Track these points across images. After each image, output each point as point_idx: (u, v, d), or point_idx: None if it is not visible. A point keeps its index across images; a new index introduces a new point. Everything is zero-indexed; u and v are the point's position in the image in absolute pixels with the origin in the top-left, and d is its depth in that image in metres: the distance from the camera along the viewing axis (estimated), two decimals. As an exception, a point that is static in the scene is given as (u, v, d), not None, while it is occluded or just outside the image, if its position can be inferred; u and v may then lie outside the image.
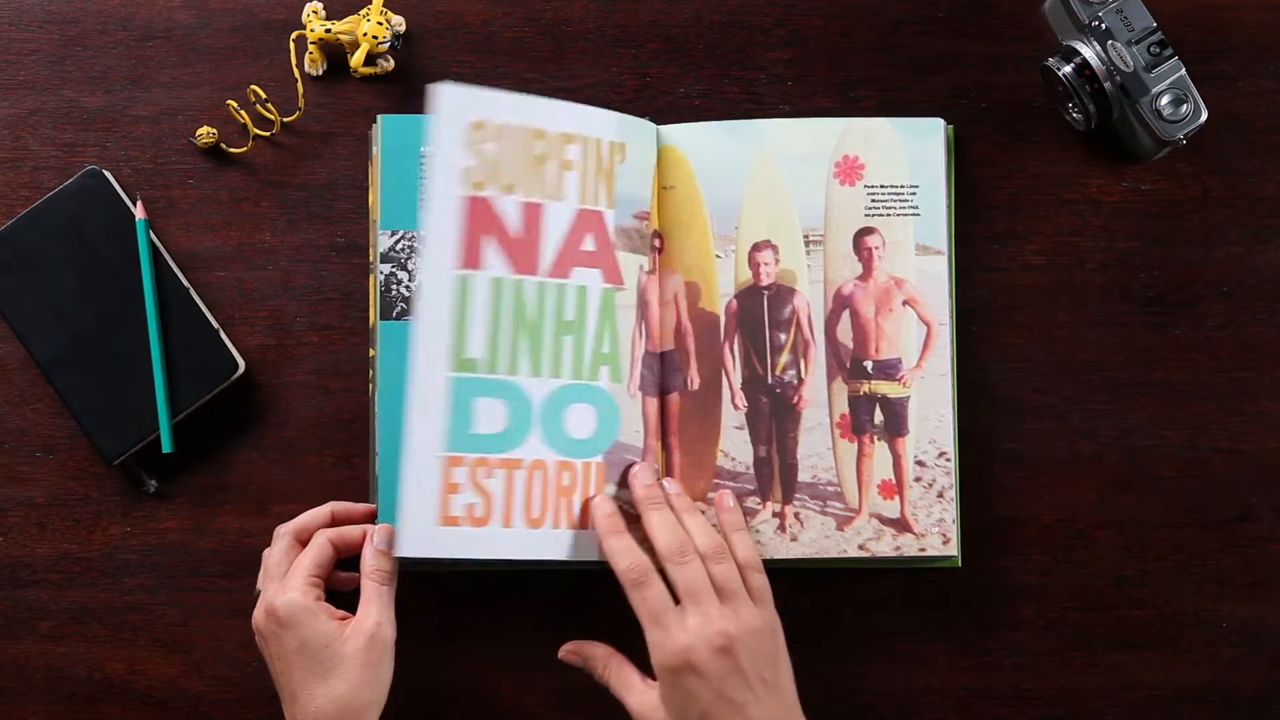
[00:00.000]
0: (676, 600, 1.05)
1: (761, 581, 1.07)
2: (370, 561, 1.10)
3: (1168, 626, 1.17)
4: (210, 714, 1.18)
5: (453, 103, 1.11)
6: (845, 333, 1.16)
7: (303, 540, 1.11)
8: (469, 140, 1.11)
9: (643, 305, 1.15)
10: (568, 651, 1.11)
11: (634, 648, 1.17)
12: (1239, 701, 1.17)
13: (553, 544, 1.12)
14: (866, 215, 1.16)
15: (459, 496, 1.10)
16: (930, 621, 1.17)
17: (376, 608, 1.08)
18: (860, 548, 1.14)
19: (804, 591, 1.17)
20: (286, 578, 1.08)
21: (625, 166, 1.15)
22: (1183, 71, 1.13)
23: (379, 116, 1.16)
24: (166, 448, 1.16)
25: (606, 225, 1.14)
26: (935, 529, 1.14)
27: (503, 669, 1.18)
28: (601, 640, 1.17)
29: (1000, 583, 1.17)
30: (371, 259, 1.16)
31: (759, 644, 1.03)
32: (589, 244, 1.13)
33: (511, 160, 1.12)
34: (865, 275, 1.16)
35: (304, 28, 1.19)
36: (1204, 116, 1.13)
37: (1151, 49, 1.12)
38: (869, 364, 1.15)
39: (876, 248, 1.16)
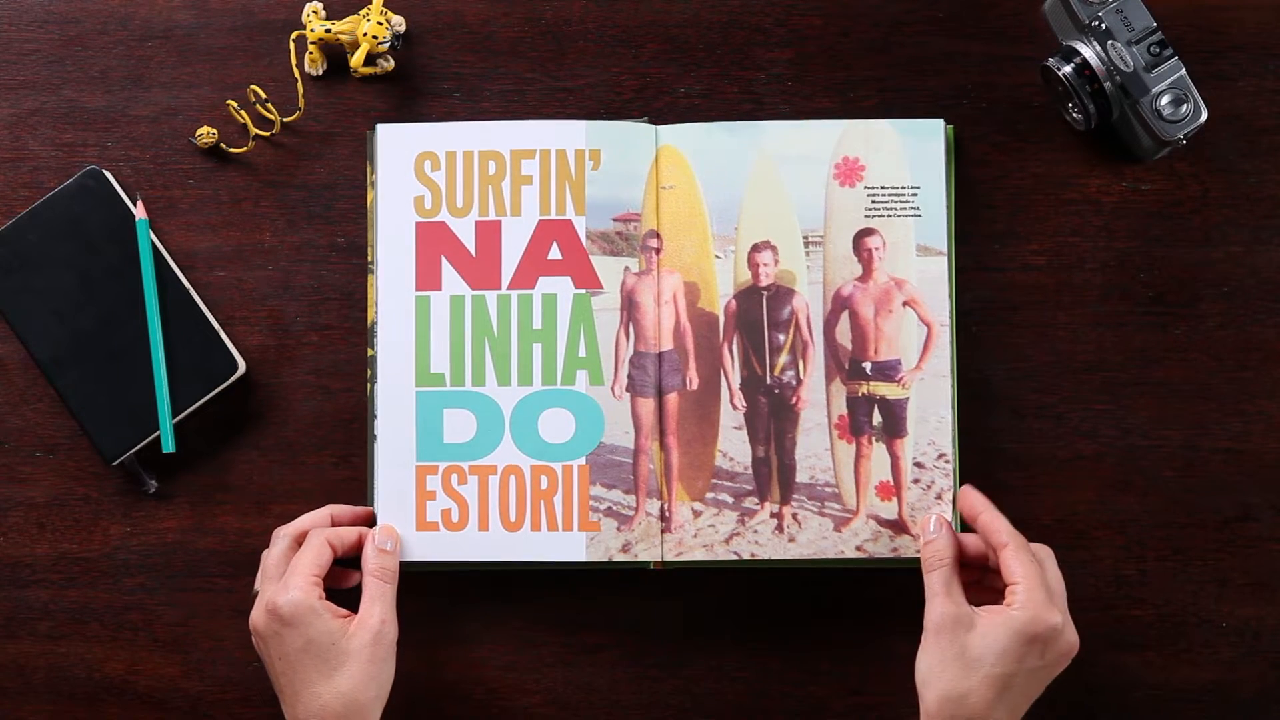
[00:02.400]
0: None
1: None
2: (373, 560, 1.10)
3: (1168, 626, 1.17)
4: (210, 714, 1.18)
5: (394, 141, 1.17)
6: (844, 334, 1.16)
7: (302, 543, 1.11)
8: (416, 172, 1.16)
9: (632, 306, 1.16)
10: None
11: (642, 646, 1.17)
12: (1239, 701, 1.17)
13: (531, 546, 1.15)
14: (866, 216, 1.16)
15: (434, 503, 1.15)
16: (930, 621, 1.17)
17: (380, 606, 1.08)
18: (858, 549, 1.14)
19: (803, 592, 1.17)
20: (286, 577, 1.08)
21: (600, 173, 1.16)
22: (1183, 71, 1.12)
23: (375, 126, 1.16)
24: (167, 448, 1.16)
25: (577, 232, 1.15)
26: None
27: (503, 669, 1.18)
28: (604, 641, 1.17)
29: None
30: (371, 259, 1.16)
31: (1059, 665, 1.07)
32: (555, 253, 1.16)
33: (461, 184, 1.16)
34: (865, 276, 1.16)
35: (304, 28, 1.19)
36: (1204, 116, 1.13)
37: (1151, 49, 1.12)
38: (868, 365, 1.15)
39: (876, 249, 1.16)
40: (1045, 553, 1.09)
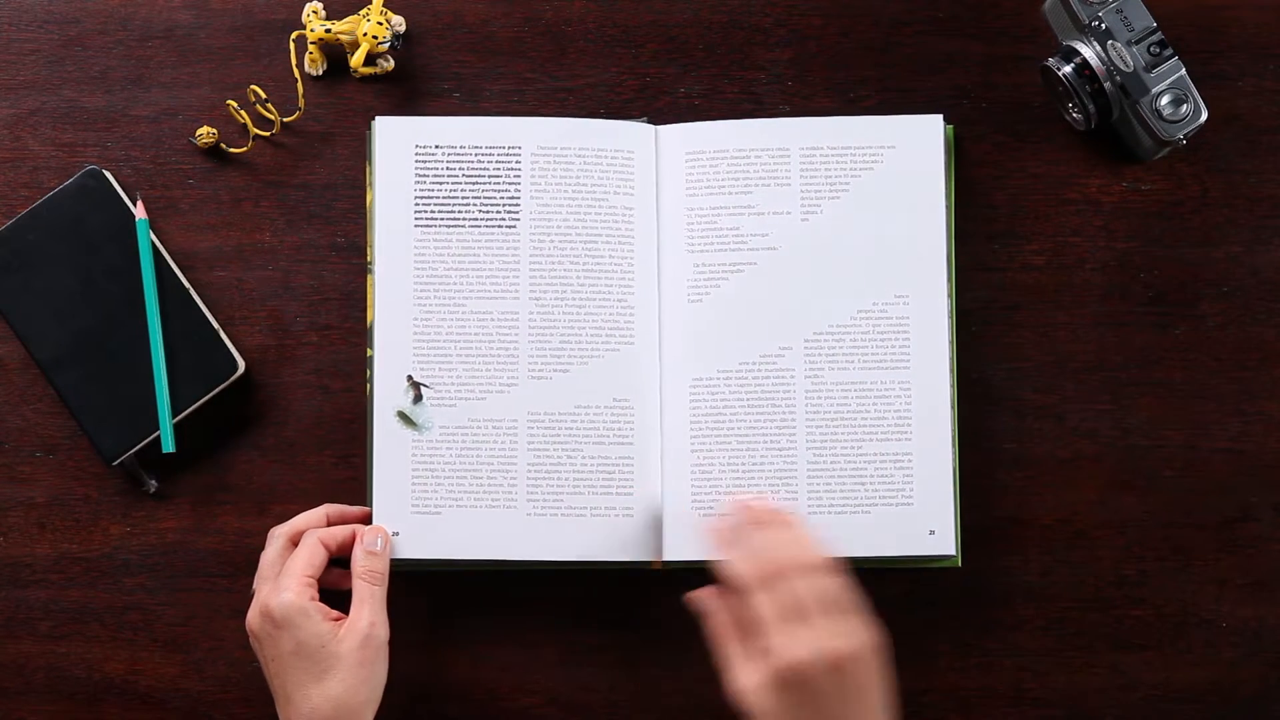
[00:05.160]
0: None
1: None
2: (361, 562, 1.10)
3: (1168, 626, 1.17)
4: (210, 714, 1.18)
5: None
6: (844, 332, 1.16)
7: (297, 543, 1.11)
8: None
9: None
10: (692, 598, 1.07)
11: (642, 646, 1.17)
12: (1239, 701, 1.17)
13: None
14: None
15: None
16: (930, 621, 1.17)
17: (369, 608, 1.08)
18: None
19: (804, 591, 1.17)
20: (280, 579, 1.08)
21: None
22: (1183, 71, 1.13)
23: (374, 119, 1.16)
24: (167, 448, 1.16)
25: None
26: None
27: (503, 669, 1.18)
28: (607, 641, 1.17)
29: (1000, 583, 1.17)
30: (370, 259, 1.16)
31: (866, 663, 1.01)
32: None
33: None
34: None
35: (304, 28, 1.19)
36: (1204, 116, 1.13)
37: (1151, 49, 1.12)
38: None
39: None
40: (781, 569, 1.01)
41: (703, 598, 1.06)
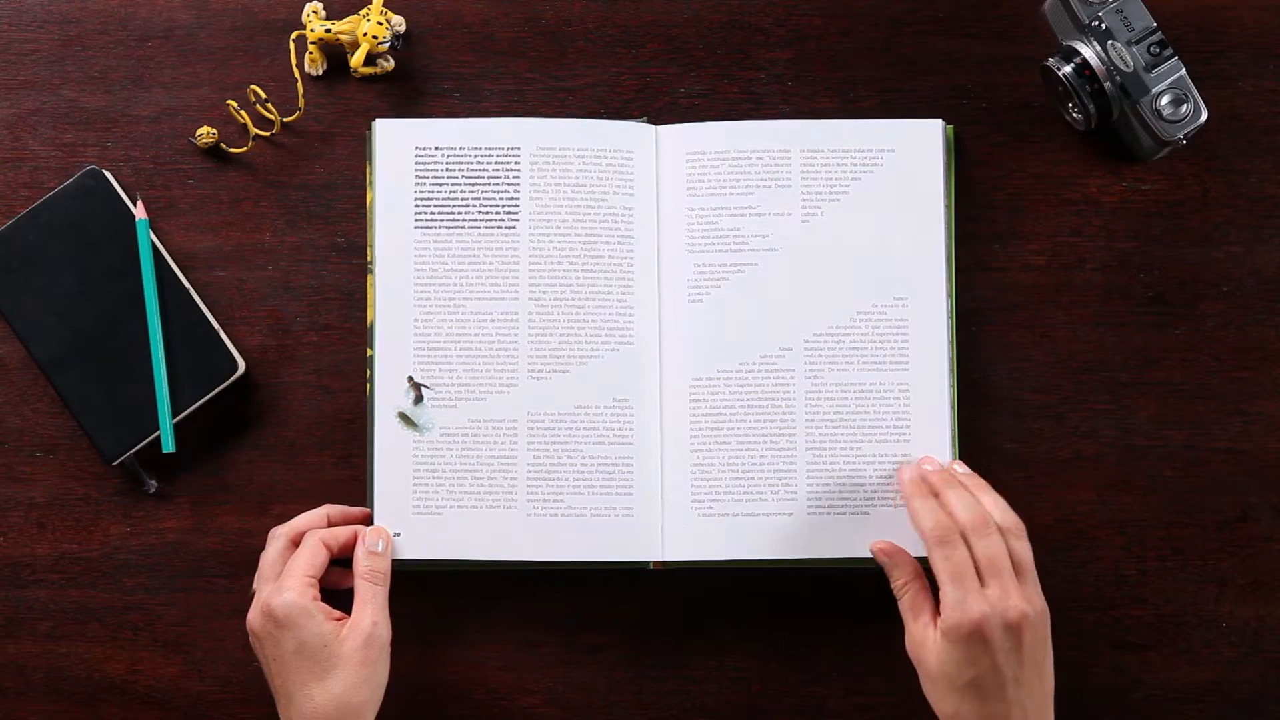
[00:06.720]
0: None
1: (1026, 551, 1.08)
2: (363, 563, 1.10)
3: (1168, 626, 1.17)
4: (210, 714, 1.18)
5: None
6: (844, 333, 1.16)
7: (298, 543, 1.11)
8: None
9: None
10: (880, 549, 1.11)
11: (642, 646, 1.17)
12: (1239, 701, 1.17)
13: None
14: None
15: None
16: (930, 621, 1.17)
17: (372, 608, 1.08)
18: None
19: (803, 592, 1.17)
20: (282, 579, 1.08)
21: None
22: (1183, 71, 1.13)
23: (374, 122, 1.16)
24: (167, 448, 1.16)
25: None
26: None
27: (503, 669, 1.18)
28: (604, 641, 1.17)
29: (1000, 583, 1.17)
30: (370, 259, 1.17)
31: (1042, 629, 1.05)
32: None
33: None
34: (864, 276, 1.16)
35: (304, 28, 1.19)
36: (1204, 116, 1.13)
37: (1151, 49, 1.12)
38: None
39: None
40: (973, 525, 1.06)
41: (887, 549, 1.11)
